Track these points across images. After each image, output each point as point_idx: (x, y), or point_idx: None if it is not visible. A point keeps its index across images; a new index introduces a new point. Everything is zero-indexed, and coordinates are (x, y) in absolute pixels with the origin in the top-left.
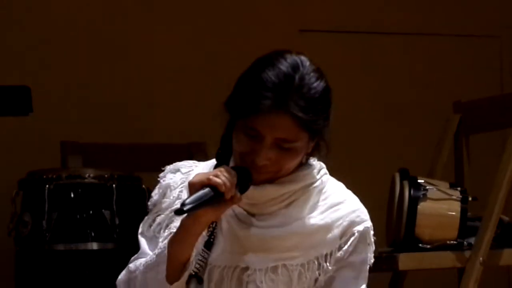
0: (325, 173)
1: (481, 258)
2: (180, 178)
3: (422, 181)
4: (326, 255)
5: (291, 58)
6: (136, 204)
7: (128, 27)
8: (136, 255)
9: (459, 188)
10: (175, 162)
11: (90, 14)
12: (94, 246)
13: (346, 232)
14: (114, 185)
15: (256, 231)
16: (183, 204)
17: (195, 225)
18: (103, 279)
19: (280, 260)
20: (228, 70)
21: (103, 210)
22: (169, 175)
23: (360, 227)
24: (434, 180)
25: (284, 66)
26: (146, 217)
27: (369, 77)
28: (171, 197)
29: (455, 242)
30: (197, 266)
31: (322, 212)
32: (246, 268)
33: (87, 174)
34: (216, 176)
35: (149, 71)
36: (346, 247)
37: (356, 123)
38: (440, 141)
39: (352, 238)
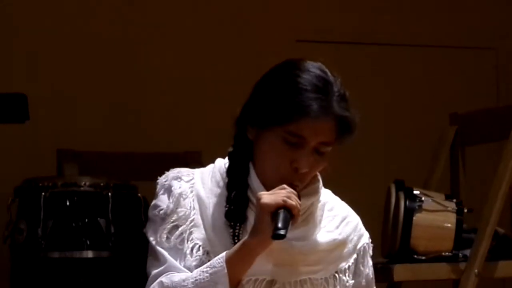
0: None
1: (476, 270)
2: (187, 186)
3: (418, 192)
4: (344, 269)
5: (319, 64)
6: (132, 213)
7: (125, 37)
8: (161, 269)
9: (454, 200)
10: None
11: (88, 23)
12: (90, 254)
13: (357, 245)
14: (109, 194)
15: (282, 244)
16: (277, 229)
17: (261, 247)
18: (97, 287)
19: (306, 274)
20: (225, 80)
21: (98, 218)
22: (175, 183)
23: (366, 239)
24: (430, 192)
25: (315, 68)
26: (157, 225)
27: (365, 88)
28: (187, 207)
29: (450, 253)
30: None
31: (337, 227)
32: (273, 281)
33: (83, 182)
34: (290, 198)
35: (146, 81)
36: (362, 262)
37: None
38: (436, 153)
39: (363, 251)
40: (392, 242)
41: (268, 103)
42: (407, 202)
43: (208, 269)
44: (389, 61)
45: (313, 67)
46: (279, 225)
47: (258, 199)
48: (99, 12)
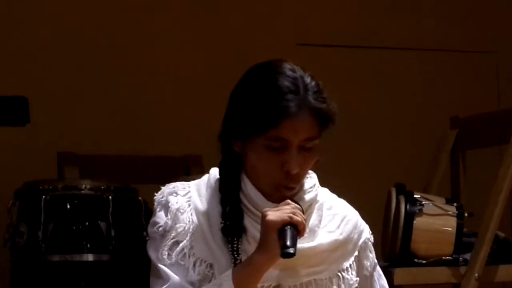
0: (318, 183)
1: (476, 274)
2: (184, 200)
3: (418, 196)
4: (347, 268)
5: (284, 63)
6: (132, 216)
7: (125, 39)
8: (165, 287)
9: (455, 204)
10: (171, 174)
11: (87, 25)
12: (90, 257)
13: (358, 242)
14: (110, 197)
15: None
16: (286, 247)
17: (269, 264)
18: None
19: (310, 275)
20: (225, 84)
21: (99, 222)
22: (171, 198)
23: (366, 234)
24: (430, 195)
25: (287, 69)
26: (157, 243)
27: (365, 92)
28: (186, 221)
29: (450, 257)
30: None
31: (338, 226)
32: (279, 286)
33: (84, 186)
34: (295, 214)
35: (147, 84)
36: (364, 255)
37: (353, 137)
38: (437, 156)
39: (364, 247)
40: (392, 246)
41: (244, 115)
42: (408, 206)
43: (215, 286)
44: (390, 65)
45: (281, 68)
46: (288, 243)
47: (264, 216)
48: (100, 15)
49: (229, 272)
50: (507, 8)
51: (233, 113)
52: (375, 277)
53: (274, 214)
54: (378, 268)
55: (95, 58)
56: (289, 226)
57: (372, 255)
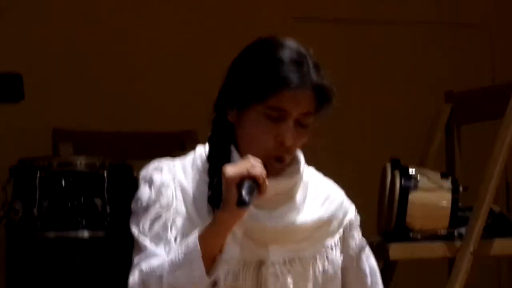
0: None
1: (471, 248)
2: (169, 176)
3: (413, 171)
4: (331, 246)
5: (288, 38)
6: (127, 192)
7: (121, 15)
8: (141, 256)
9: (450, 178)
10: (166, 150)
11: (82, 2)
12: (85, 234)
13: (343, 222)
14: (105, 173)
15: (269, 223)
16: (241, 196)
17: (232, 219)
18: (93, 267)
19: (295, 252)
20: (221, 59)
21: (94, 198)
22: (156, 174)
23: (352, 214)
24: (425, 170)
25: (291, 43)
26: (139, 216)
27: (360, 66)
28: (169, 196)
29: (446, 232)
30: None
31: (322, 204)
32: (262, 262)
33: (79, 162)
34: (253, 167)
35: (141, 59)
36: (349, 236)
37: (347, 112)
38: (432, 131)
39: (349, 226)
40: (387, 221)
41: (246, 82)
42: (403, 181)
43: (183, 248)
44: (385, 39)
45: (286, 42)
46: (243, 193)
47: (223, 172)
48: None
49: (195, 233)
50: None
51: (233, 81)
52: (363, 258)
53: (232, 169)
54: (367, 249)
55: (89, 35)
56: (247, 179)
57: (358, 235)
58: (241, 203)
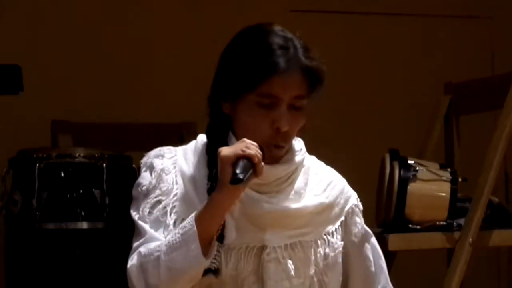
0: (304, 148)
1: (470, 239)
2: (170, 163)
3: (412, 161)
4: (332, 232)
5: (274, 25)
6: (126, 184)
7: (119, 6)
8: (141, 241)
9: (449, 169)
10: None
11: None
12: (84, 225)
13: (344, 208)
14: (104, 165)
15: (270, 208)
16: (235, 174)
17: (230, 199)
18: (92, 258)
19: (296, 237)
20: (219, 50)
21: (93, 190)
22: (157, 160)
23: (354, 200)
24: (424, 161)
25: (277, 30)
26: (140, 202)
27: (360, 58)
28: (170, 182)
29: (444, 223)
30: (213, 260)
31: (324, 190)
32: (263, 247)
33: (78, 153)
34: (248, 148)
35: (140, 51)
36: (351, 222)
37: (347, 103)
38: (431, 122)
39: (351, 212)
40: (386, 211)
41: (234, 73)
42: (402, 172)
43: (180, 230)
44: (384, 31)
45: (270, 28)
46: (237, 171)
47: (218, 153)
48: None
49: (192, 215)
50: None
51: (223, 73)
52: (367, 245)
53: (228, 149)
54: (371, 236)
55: (89, 26)
56: (242, 159)
57: (360, 222)
58: (235, 181)
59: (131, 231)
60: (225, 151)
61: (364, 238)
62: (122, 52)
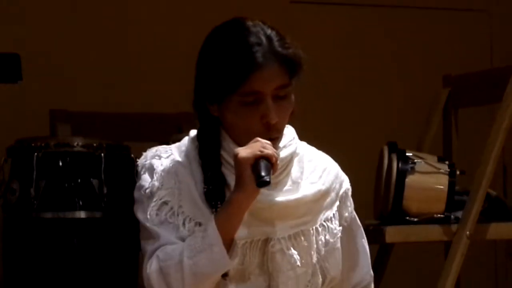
0: (296, 136)
1: (468, 232)
2: (168, 162)
3: (411, 154)
4: (331, 218)
5: (242, 20)
6: (125, 174)
7: None
8: (155, 244)
9: (447, 162)
10: (163, 132)
11: None
12: (82, 214)
13: (339, 192)
14: (102, 154)
15: (271, 201)
16: (261, 177)
17: (249, 199)
18: (90, 248)
19: (298, 227)
20: None
21: (91, 179)
22: (155, 161)
23: (347, 185)
24: (423, 154)
25: (250, 25)
26: (145, 204)
27: (358, 50)
28: (172, 182)
29: (442, 215)
30: None
31: (320, 177)
32: (268, 240)
33: (76, 143)
34: (265, 148)
35: (139, 40)
36: (344, 206)
37: (345, 95)
38: (429, 115)
39: (344, 197)
40: (384, 204)
41: (213, 77)
42: (400, 164)
43: (201, 233)
44: (383, 23)
45: (241, 25)
46: (262, 173)
47: (236, 155)
48: None
49: (212, 217)
50: None
51: (203, 78)
52: (358, 234)
53: (245, 150)
54: (359, 224)
55: (88, 14)
56: (261, 159)
57: (350, 206)
58: (263, 183)
59: (129, 221)
60: (242, 152)
61: (353, 222)
62: (121, 41)
